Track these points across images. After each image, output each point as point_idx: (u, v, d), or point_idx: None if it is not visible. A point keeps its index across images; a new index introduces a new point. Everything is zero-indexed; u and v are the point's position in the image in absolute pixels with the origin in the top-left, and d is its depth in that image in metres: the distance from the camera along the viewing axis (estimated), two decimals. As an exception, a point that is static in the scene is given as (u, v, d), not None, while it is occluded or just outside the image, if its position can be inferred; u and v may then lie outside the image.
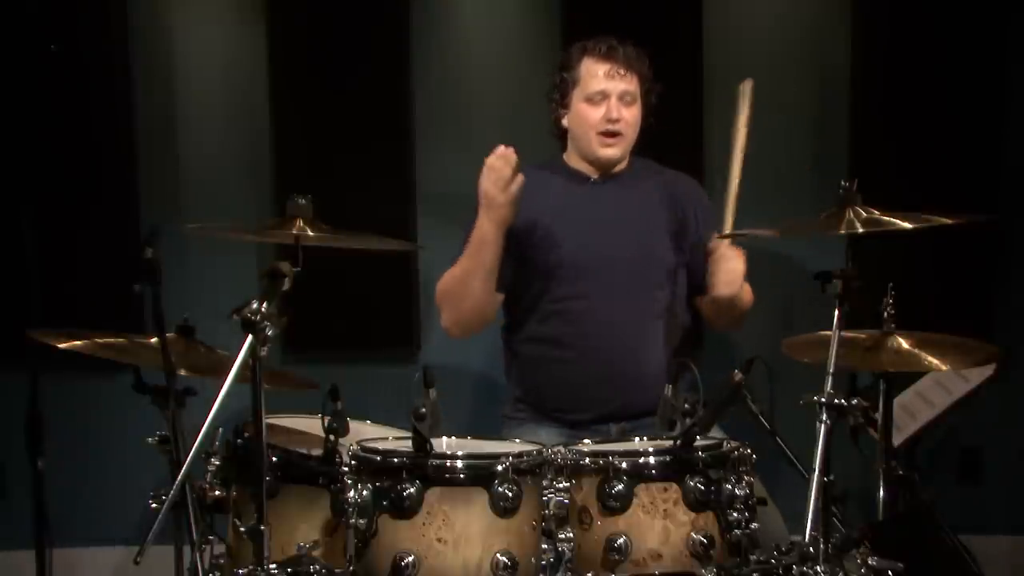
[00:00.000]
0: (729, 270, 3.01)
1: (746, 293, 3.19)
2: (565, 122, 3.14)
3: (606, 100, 3.05)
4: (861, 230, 2.52)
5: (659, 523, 2.34)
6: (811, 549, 2.37)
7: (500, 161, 2.88)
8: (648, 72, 3.10)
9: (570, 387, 3.08)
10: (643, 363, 3.04)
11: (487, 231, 2.96)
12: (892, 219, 2.54)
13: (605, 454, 2.38)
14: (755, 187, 3.84)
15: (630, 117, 3.07)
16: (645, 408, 2.84)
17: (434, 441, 2.33)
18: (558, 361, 3.10)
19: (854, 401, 2.48)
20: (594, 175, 3.16)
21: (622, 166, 3.18)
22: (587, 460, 2.39)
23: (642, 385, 2.98)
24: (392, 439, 2.52)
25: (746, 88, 2.92)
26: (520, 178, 2.89)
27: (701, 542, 2.33)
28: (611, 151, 3.08)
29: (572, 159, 3.18)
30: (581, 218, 3.07)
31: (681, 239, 3.18)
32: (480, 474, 2.30)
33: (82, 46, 3.81)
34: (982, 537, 3.39)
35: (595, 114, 3.06)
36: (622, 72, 3.04)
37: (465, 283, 3.03)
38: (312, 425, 2.59)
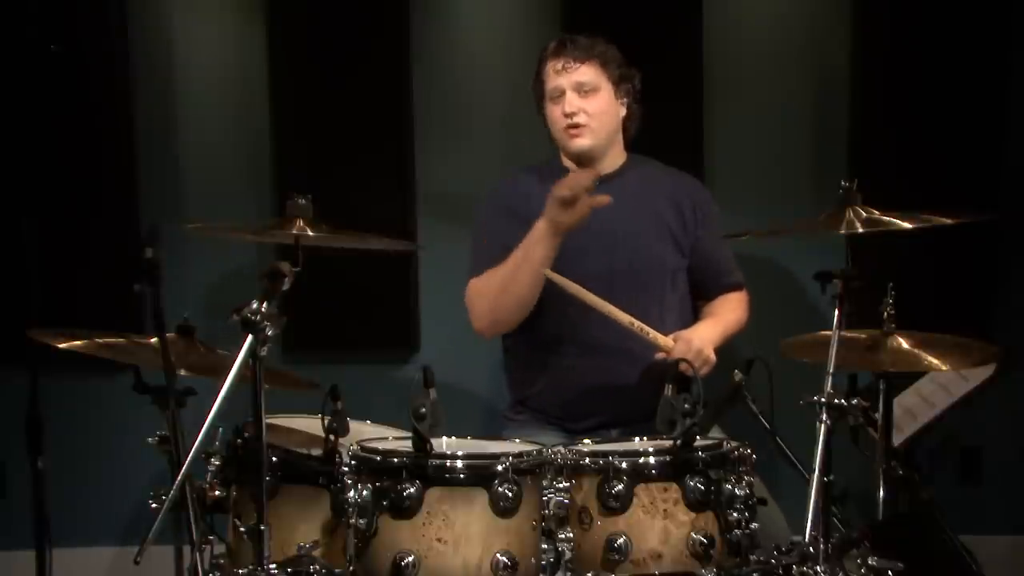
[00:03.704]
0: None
1: (737, 315, 3.21)
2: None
3: (562, 96, 3.06)
4: (861, 230, 2.52)
5: (659, 523, 2.34)
6: (811, 549, 2.37)
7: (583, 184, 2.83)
8: (613, 58, 3.08)
9: (571, 394, 3.07)
10: (645, 368, 3.02)
11: (543, 232, 2.90)
12: (892, 219, 2.55)
13: (605, 454, 2.38)
14: (755, 187, 3.88)
15: (591, 107, 3.05)
16: (647, 414, 2.81)
17: (434, 441, 2.33)
18: (559, 367, 3.09)
19: (854, 401, 2.48)
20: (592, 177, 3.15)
21: (617, 164, 3.16)
22: (587, 460, 2.38)
23: (645, 391, 2.94)
24: (392, 439, 2.52)
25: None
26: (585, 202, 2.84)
27: (701, 542, 2.32)
28: (578, 141, 3.07)
29: (566, 160, 3.17)
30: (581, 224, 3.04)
31: (682, 241, 3.17)
32: (480, 474, 2.29)
33: (82, 46, 3.81)
34: (982, 537, 3.39)
35: (556, 112, 3.08)
36: (571, 64, 3.04)
37: (510, 281, 2.97)
38: (312, 425, 2.59)
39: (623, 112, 3.14)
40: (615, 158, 3.17)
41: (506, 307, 3.02)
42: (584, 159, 3.12)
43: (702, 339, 2.98)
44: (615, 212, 3.09)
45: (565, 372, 3.08)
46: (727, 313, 3.20)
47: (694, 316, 3.22)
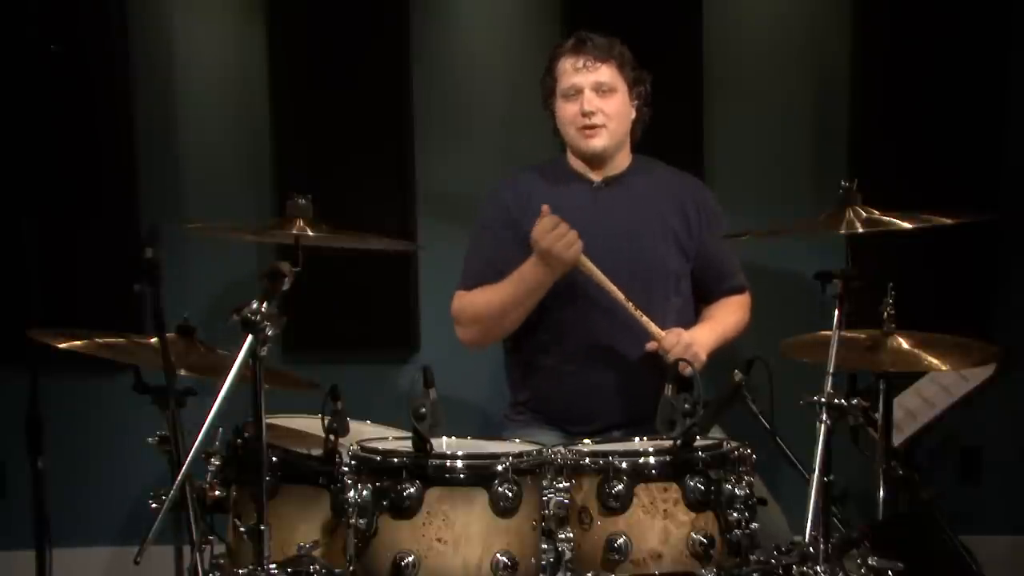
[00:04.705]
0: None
1: (736, 319, 3.20)
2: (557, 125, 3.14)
3: (580, 94, 3.03)
4: (861, 230, 2.52)
5: (659, 523, 2.34)
6: (811, 549, 2.37)
7: (562, 226, 2.87)
8: (628, 60, 3.07)
9: (573, 397, 3.06)
10: (648, 373, 2.98)
11: (545, 281, 2.95)
12: (892, 219, 2.54)
13: (605, 454, 2.38)
14: (755, 187, 3.88)
15: (609, 107, 3.04)
16: (649, 417, 2.77)
17: (434, 441, 2.33)
18: (560, 372, 3.07)
19: (854, 401, 2.48)
20: (596, 178, 3.12)
21: (623, 166, 3.15)
22: (587, 460, 2.38)
23: (647, 395, 2.91)
24: (392, 439, 2.52)
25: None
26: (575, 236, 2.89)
27: (701, 542, 2.32)
28: (593, 142, 3.05)
29: (573, 160, 3.16)
30: (585, 226, 2.97)
31: (686, 245, 3.15)
32: (480, 474, 2.30)
33: (82, 46, 3.81)
34: (982, 537, 3.39)
35: (571, 110, 3.06)
36: (591, 64, 3.02)
37: (504, 313, 3.03)
38: (312, 425, 2.59)
39: (634, 115, 3.12)
40: (622, 160, 3.15)
41: (495, 335, 3.12)
42: (595, 159, 3.10)
43: (693, 337, 2.98)
44: (620, 214, 3.09)
45: (566, 376, 3.07)
46: (727, 316, 3.20)
47: (696, 319, 3.20)
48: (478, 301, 3.08)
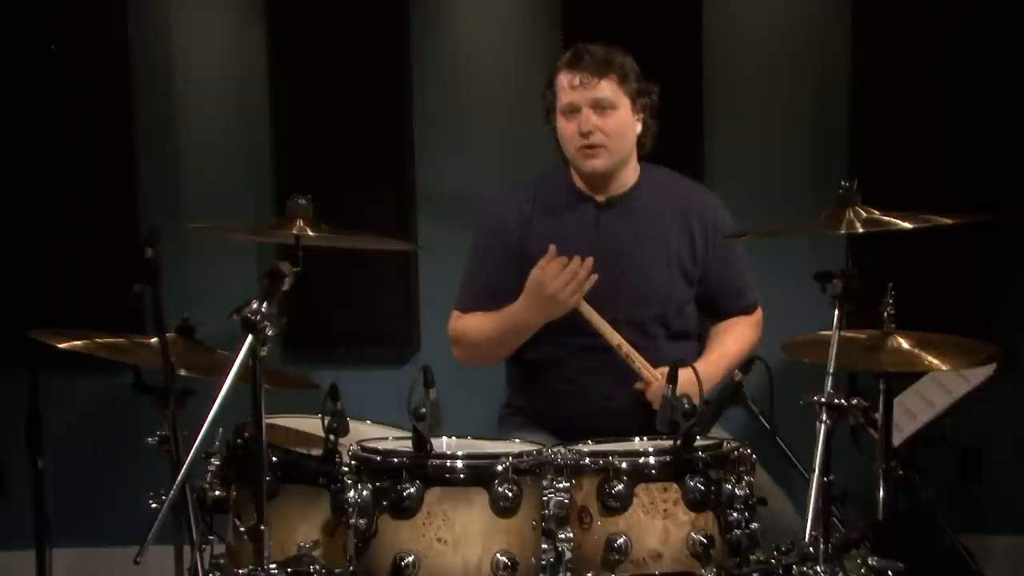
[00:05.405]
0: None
1: (741, 345, 3.12)
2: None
3: (577, 113, 2.92)
4: (861, 230, 2.52)
5: (659, 523, 2.33)
6: (811, 549, 2.37)
7: (567, 272, 2.83)
8: (631, 72, 2.95)
9: (569, 417, 3.01)
10: (644, 398, 2.95)
11: (535, 323, 2.93)
12: (892, 219, 2.54)
13: (605, 454, 2.38)
14: (755, 187, 3.88)
15: (609, 125, 2.92)
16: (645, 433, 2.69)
17: (434, 441, 2.33)
18: (557, 393, 3.05)
19: (854, 401, 2.48)
20: (600, 197, 3.03)
21: (629, 183, 3.05)
22: (587, 460, 2.38)
23: (643, 419, 2.86)
24: (392, 439, 2.52)
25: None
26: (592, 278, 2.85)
27: (701, 542, 2.32)
28: (594, 162, 2.95)
29: (575, 176, 3.06)
30: (586, 250, 2.89)
31: (691, 270, 3.06)
32: (480, 474, 2.29)
33: (82, 46, 3.81)
34: (982, 537, 3.39)
35: (570, 129, 2.95)
36: (588, 80, 2.89)
37: (499, 345, 3.03)
38: (312, 425, 2.59)
39: (639, 128, 3.01)
40: (628, 176, 3.05)
41: (490, 360, 3.12)
42: (596, 179, 3.02)
43: (691, 380, 2.67)
44: (622, 240, 3.02)
45: (565, 395, 3.04)
46: (732, 343, 3.11)
47: (702, 340, 3.15)
48: (472, 328, 3.06)
